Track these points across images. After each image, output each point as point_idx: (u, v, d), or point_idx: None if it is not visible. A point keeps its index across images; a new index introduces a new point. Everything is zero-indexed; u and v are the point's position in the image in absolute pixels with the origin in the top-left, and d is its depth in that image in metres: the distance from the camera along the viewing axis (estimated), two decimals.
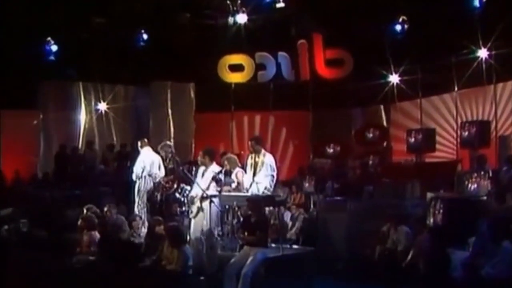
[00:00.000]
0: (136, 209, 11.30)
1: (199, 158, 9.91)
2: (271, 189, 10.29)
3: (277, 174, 16.86)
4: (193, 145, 18.53)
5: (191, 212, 9.70)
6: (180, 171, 11.00)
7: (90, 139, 17.93)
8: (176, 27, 17.60)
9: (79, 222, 9.95)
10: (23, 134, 17.19)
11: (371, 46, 16.12)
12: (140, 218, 9.95)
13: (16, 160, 16.86)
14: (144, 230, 9.76)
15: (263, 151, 10.52)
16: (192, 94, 18.82)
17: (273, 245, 9.87)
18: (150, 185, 11.82)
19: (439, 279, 6.37)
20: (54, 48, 17.02)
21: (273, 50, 18.09)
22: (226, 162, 11.05)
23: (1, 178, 16.18)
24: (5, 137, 16.99)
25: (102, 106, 18.10)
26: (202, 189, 9.55)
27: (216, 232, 10.24)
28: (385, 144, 17.40)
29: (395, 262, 10.05)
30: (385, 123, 17.88)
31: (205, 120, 18.52)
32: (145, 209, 11.46)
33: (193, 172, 10.66)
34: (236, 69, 18.42)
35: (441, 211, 8.80)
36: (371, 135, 17.70)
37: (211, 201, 9.44)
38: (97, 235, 9.70)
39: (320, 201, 14.00)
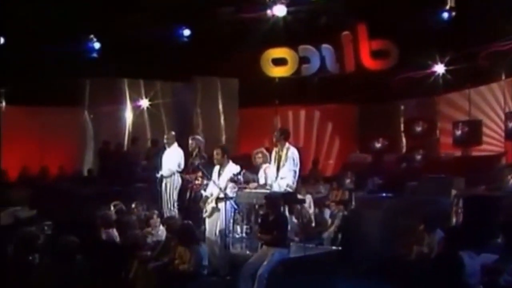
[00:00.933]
0: (165, 207, 10.98)
1: (216, 157, 9.42)
2: (294, 186, 9.73)
3: (317, 169, 16.51)
4: (237, 141, 18.16)
5: (205, 211, 9.25)
6: (195, 166, 10.59)
7: (135, 135, 17.77)
8: (219, 21, 17.19)
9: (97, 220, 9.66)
10: (68, 131, 17.08)
11: (416, 35, 15.27)
12: (158, 215, 9.56)
13: (61, 157, 16.86)
14: (162, 228, 9.37)
15: (287, 144, 9.97)
16: (236, 89, 18.35)
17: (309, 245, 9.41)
18: (178, 181, 11.45)
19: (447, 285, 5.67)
20: (97, 45, 16.89)
21: (316, 43, 17.49)
22: (260, 155, 10.57)
23: (44, 174, 16.26)
24: (50, 134, 16.93)
25: (146, 103, 17.84)
26: (220, 189, 9.07)
27: (239, 231, 9.86)
28: (433, 137, 16.50)
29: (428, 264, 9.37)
30: (433, 115, 16.91)
31: (249, 115, 18.02)
32: (174, 207, 11.12)
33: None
34: (279, 63, 17.93)
35: (462, 210, 8.01)
36: (420, 128, 16.86)
37: (225, 201, 8.95)
38: (114, 233, 9.39)
39: (358, 198, 13.35)
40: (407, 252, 10.08)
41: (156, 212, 9.73)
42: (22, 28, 15.82)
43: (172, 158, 11.38)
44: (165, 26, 17.01)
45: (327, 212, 13.50)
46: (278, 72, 17.94)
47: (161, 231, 9.36)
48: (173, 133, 11.45)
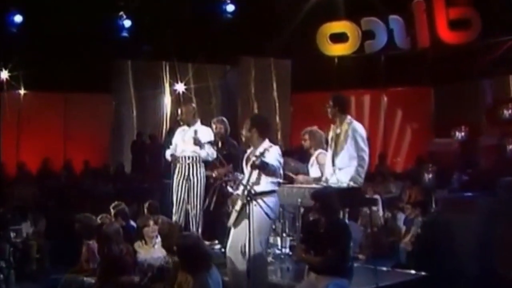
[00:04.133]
0: (178, 212, 7.37)
1: (243, 132, 5.87)
2: (361, 179, 6.07)
3: (386, 164, 12.90)
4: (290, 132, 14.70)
5: (229, 218, 5.75)
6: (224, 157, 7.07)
7: (172, 125, 14.43)
8: None
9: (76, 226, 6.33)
10: (96, 120, 14.09)
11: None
12: (156, 222, 6.03)
13: (87, 149, 13.82)
14: (160, 241, 5.88)
15: (348, 117, 6.41)
16: (289, 71, 14.96)
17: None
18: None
19: None
20: (127, 23, 13.73)
21: (382, 14, 13.89)
22: (307, 137, 7.13)
23: (67, 168, 13.20)
24: (75, 123, 13.96)
25: (182, 87, 14.46)
26: (246, 184, 5.55)
27: (280, 246, 6.33)
28: None
29: None
30: None
31: (304, 102, 14.60)
32: (197, 211, 7.44)
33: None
34: (339, 39, 14.41)
35: None
36: (509, 111, 12.86)
37: (249, 201, 5.40)
38: (95, 245, 6.03)
39: (441, 198, 9.69)
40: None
41: (152, 218, 6.18)
42: (43, 4, 12.90)
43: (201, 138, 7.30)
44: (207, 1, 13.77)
45: (400, 217, 9.98)
46: (337, 50, 14.46)
47: (159, 246, 5.87)
48: (193, 105, 7.81)
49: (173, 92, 14.54)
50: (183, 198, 7.31)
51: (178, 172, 7.41)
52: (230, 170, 7.57)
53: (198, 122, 7.53)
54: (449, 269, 7.71)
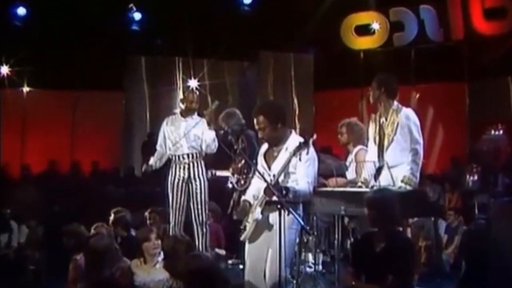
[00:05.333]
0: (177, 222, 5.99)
1: (260, 127, 4.41)
2: (416, 180, 4.68)
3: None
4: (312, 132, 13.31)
5: (244, 229, 4.34)
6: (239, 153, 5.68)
7: None
8: None
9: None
10: (104, 119, 12.90)
11: None
12: (159, 236, 4.63)
13: (96, 150, 12.63)
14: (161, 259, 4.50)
15: (395, 103, 5.19)
16: (310, 68, 13.72)
17: None
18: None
19: None
20: (138, 16, 12.59)
21: (413, 3, 12.71)
22: (344, 130, 5.96)
23: (77, 171, 11.98)
24: (83, 123, 12.80)
25: (195, 83, 13.17)
26: (266, 181, 4.16)
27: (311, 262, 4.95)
28: None
29: None
30: None
31: (327, 99, 13.43)
32: (203, 219, 6.01)
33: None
34: (365, 31, 13.17)
35: None
36: None
37: (281, 208, 3.99)
38: (83, 261, 4.69)
39: (490, 203, 8.29)
40: None
41: (155, 230, 4.81)
42: None
43: (198, 132, 6.13)
44: None
45: (441, 225, 8.58)
46: (363, 43, 13.26)
47: (161, 266, 4.50)
48: (197, 93, 6.54)
49: (186, 89, 13.31)
50: (182, 205, 6.00)
51: (175, 173, 6.18)
52: (244, 169, 6.23)
53: (195, 113, 6.32)
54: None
